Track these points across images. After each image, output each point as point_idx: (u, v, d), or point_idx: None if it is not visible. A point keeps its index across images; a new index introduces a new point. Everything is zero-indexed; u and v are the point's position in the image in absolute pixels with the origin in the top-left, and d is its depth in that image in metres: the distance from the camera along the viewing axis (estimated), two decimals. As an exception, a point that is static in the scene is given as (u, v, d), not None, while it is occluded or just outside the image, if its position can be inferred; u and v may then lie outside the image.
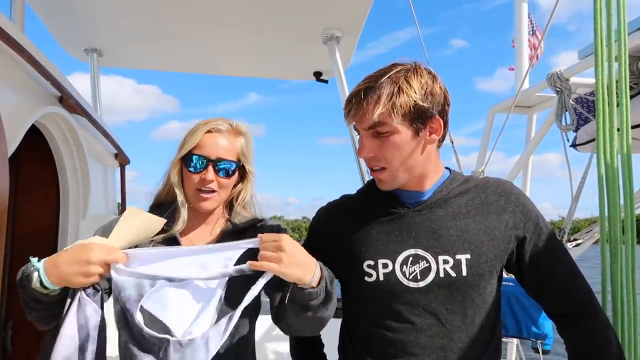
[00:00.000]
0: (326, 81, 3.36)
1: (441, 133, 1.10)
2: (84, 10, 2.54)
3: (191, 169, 1.27)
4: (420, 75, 1.05)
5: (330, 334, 1.50)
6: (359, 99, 1.05)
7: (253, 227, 1.35)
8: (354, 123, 1.12)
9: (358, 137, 1.14)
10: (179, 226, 1.27)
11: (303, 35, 2.79)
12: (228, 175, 1.29)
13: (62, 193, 2.02)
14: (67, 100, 1.74)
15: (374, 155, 1.08)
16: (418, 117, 1.05)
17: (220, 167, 1.27)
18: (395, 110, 1.02)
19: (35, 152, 2.05)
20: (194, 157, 1.27)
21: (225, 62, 3.34)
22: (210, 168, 1.27)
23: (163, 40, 2.90)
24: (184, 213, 1.29)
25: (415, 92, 1.03)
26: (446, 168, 1.21)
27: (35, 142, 1.91)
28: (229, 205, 1.39)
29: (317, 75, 3.33)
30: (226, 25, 2.69)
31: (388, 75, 1.05)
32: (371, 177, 1.27)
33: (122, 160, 2.88)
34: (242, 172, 1.36)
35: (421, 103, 1.03)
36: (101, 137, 2.37)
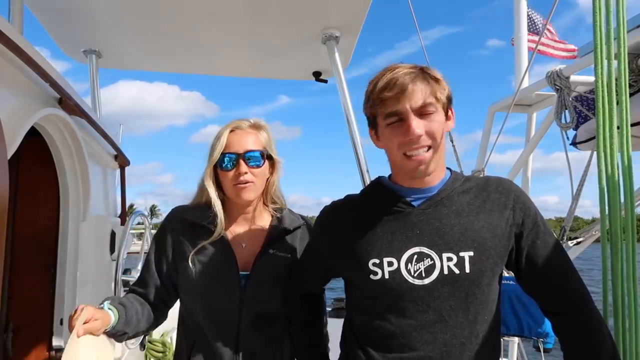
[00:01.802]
0: (325, 81, 3.35)
1: (454, 121, 1.19)
2: (83, 11, 2.54)
3: (225, 168, 1.40)
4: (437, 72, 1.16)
5: (332, 333, 1.51)
6: (409, 81, 1.09)
7: (298, 228, 1.52)
8: (393, 108, 1.10)
9: (393, 124, 1.12)
10: (219, 230, 1.40)
11: (302, 35, 2.79)
12: (259, 164, 1.41)
13: (62, 195, 2.02)
14: (67, 102, 1.74)
15: (425, 133, 1.10)
16: (448, 104, 1.16)
17: (250, 158, 1.40)
18: (440, 92, 1.12)
19: (34, 154, 2.05)
20: (225, 157, 1.39)
21: (224, 63, 3.34)
22: (242, 162, 1.39)
23: (162, 41, 2.90)
24: (221, 216, 1.41)
25: (446, 83, 1.15)
26: (447, 168, 1.23)
27: (34, 144, 1.90)
28: (264, 198, 1.52)
29: (317, 75, 3.33)
30: (225, 25, 2.69)
31: (418, 67, 1.13)
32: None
33: (122, 161, 2.87)
34: (270, 162, 1.48)
35: (450, 92, 1.16)
36: (101, 139, 2.37)
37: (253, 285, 1.39)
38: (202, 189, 1.45)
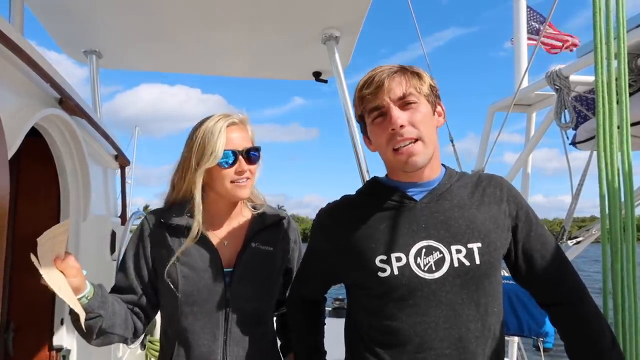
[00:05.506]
0: (325, 81, 3.35)
1: (444, 117, 1.19)
2: (83, 12, 2.54)
3: (224, 165, 1.34)
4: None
5: (330, 333, 1.51)
6: (386, 76, 1.12)
7: (279, 222, 1.50)
8: (373, 103, 1.13)
9: (376, 120, 1.14)
10: (196, 230, 1.34)
11: (302, 35, 2.79)
12: (256, 161, 1.41)
13: (63, 195, 2.02)
14: (67, 102, 1.74)
15: (409, 124, 1.10)
16: (433, 96, 1.16)
17: (249, 156, 1.38)
18: (420, 84, 1.14)
19: (35, 154, 2.05)
20: (225, 154, 1.34)
21: (224, 63, 3.34)
22: (242, 159, 1.36)
23: (162, 41, 2.90)
24: (199, 217, 1.35)
25: (430, 79, 1.17)
26: (441, 165, 1.24)
27: (35, 144, 1.91)
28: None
29: (317, 75, 3.33)
30: (225, 25, 2.69)
31: (398, 65, 1.17)
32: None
33: (122, 161, 2.88)
34: None
35: (433, 83, 1.17)
36: (101, 139, 2.37)
37: (237, 280, 1.35)
38: (175, 187, 1.41)
